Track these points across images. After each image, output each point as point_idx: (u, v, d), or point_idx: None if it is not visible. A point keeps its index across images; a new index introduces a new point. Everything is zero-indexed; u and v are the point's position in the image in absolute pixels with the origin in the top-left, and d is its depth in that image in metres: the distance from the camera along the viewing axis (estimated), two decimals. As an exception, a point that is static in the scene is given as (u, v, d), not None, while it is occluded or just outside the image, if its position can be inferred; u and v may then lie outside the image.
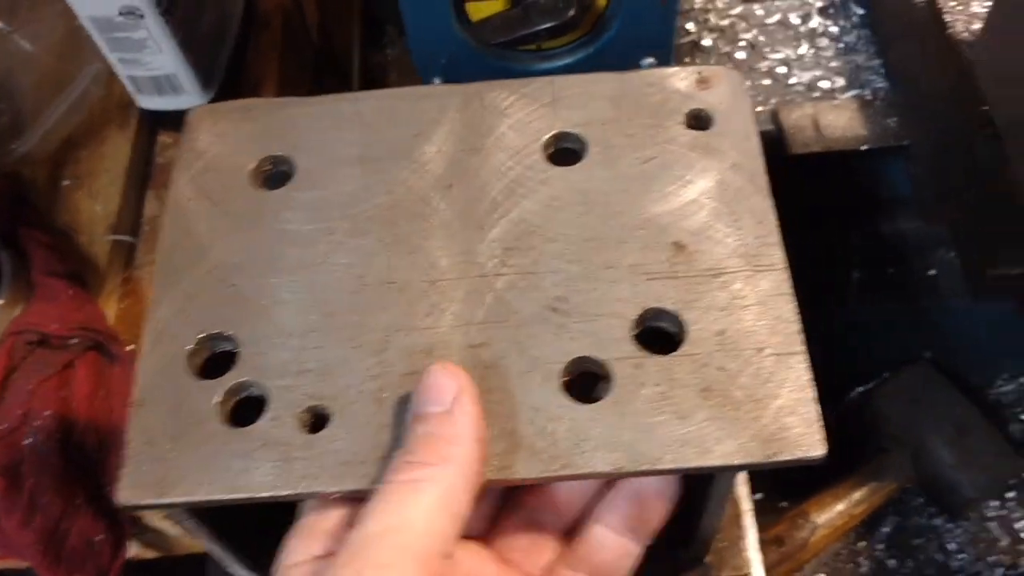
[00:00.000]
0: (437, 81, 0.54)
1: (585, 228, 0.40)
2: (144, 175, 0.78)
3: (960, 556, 1.05)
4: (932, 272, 0.94)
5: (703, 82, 0.43)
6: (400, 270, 0.40)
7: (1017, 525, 1.07)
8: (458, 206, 0.41)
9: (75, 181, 0.76)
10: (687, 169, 0.41)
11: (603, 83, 0.44)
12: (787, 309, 0.37)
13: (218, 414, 0.37)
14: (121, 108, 0.77)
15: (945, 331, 1.00)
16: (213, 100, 0.75)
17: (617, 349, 0.37)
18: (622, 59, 0.59)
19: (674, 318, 0.37)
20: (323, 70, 0.90)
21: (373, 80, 0.90)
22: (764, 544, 0.98)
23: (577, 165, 0.42)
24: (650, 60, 0.60)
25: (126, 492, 0.35)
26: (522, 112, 0.44)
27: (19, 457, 0.65)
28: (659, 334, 0.38)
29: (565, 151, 0.43)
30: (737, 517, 0.60)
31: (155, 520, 0.67)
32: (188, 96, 0.74)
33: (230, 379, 0.37)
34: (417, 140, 0.43)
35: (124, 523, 0.68)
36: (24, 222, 0.71)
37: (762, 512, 1.07)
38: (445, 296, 0.39)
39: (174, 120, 0.80)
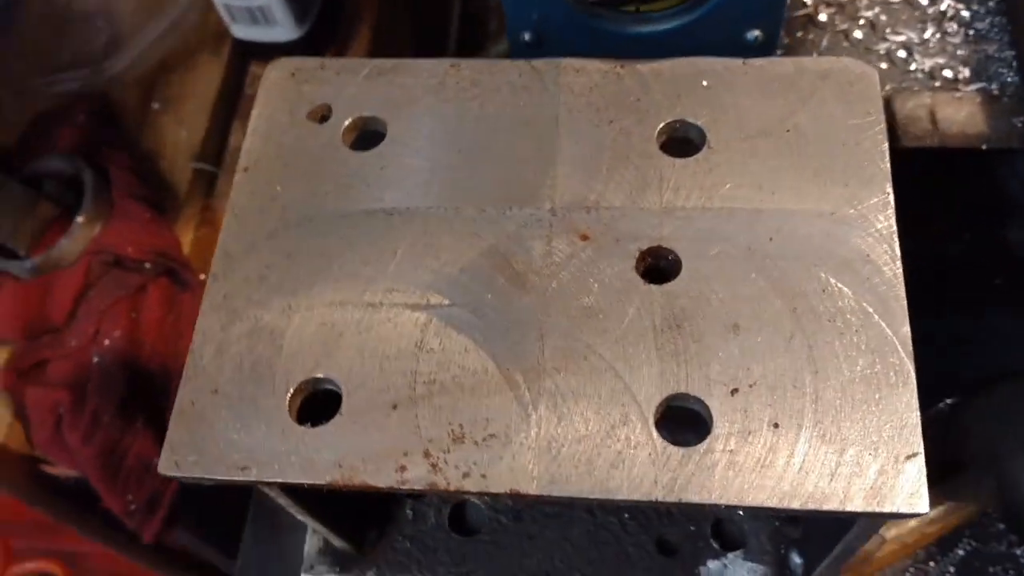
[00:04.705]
0: (527, 36, 0.51)
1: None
2: (232, 104, 0.78)
3: (1035, 588, 0.99)
4: (1042, 286, 0.87)
5: None
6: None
7: (1101, 562, 1.00)
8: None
9: (164, 105, 0.76)
10: None
11: None
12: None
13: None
14: (215, 37, 0.77)
15: (1049, 349, 0.93)
16: (307, 35, 0.74)
17: None
18: (725, 30, 0.55)
19: None
20: (422, 14, 0.88)
21: (473, 21, 0.87)
22: (825, 549, 0.94)
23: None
24: (756, 33, 0.55)
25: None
26: None
27: (86, 374, 0.66)
28: None
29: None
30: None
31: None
32: (281, 28, 0.73)
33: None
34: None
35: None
36: (109, 143, 0.71)
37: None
38: None
39: (266, 52, 0.79)
